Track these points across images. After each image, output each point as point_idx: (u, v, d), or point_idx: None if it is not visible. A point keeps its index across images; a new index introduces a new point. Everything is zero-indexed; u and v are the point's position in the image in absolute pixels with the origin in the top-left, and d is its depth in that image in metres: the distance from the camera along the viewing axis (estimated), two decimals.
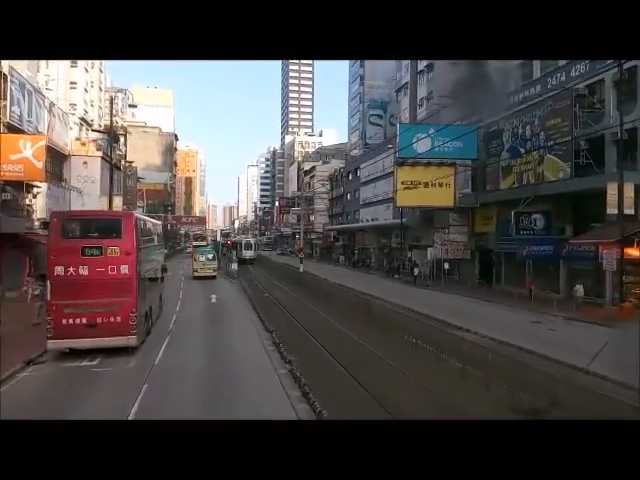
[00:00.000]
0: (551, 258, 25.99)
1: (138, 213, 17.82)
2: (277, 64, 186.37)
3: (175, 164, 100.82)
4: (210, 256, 36.76)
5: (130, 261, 12.91)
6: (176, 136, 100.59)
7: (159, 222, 22.59)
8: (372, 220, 52.74)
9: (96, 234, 13.18)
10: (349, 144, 78.11)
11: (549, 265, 26.95)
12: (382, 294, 27.08)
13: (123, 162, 43.38)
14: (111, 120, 27.92)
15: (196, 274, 35.43)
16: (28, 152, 23.34)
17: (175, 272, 42.12)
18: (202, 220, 61.31)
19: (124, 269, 12.81)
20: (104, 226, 13.39)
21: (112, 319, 12.70)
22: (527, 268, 28.62)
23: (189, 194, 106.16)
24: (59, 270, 12.47)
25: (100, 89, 76.41)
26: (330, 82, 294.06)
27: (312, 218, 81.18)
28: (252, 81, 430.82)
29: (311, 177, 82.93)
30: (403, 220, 39.00)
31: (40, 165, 24.13)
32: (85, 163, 34.19)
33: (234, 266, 40.81)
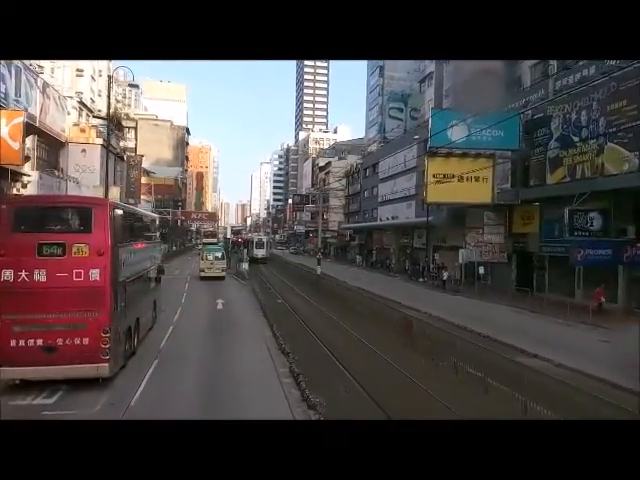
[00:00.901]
0: (609, 263, 22.36)
1: (115, 200, 14.11)
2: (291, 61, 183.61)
3: (187, 159, 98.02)
4: (219, 255, 33.59)
5: (103, 264, 9.67)
6: (188, 130, 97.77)
7: (153, 215, 19.25)
8: (392, 218, 49.32)
9: (58, 227, 9.98)
10: (366, 139, 74.59)
11: (605, 271, 23.32)
12: (411, 301, 23.69)
13: (129, 152, 40.90)
14: (109, 99, 24.75)
15: (203, 274, 32.31)
16: (2, 130, 20.18)
17: (182, 271, 39.14)
18: (212, 216, 58.24)
19: (94, 274, 9.59)
20: (68, 216, 10.15)
21: (77, 341, 9.51)
22: (576, 274, 25.06)
23: (200, 190, 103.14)
24: (7, 275, 9.32)
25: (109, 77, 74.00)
26: (346, 77, 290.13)
27: (326, 216, 77.89)
28: (266, 77, 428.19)
29: (326, 173, 79.56)
30: (428, 219, 35.58)
31: (17, 146, 20.90)
32: (84, 151, 31.28)
33: (245, 266, 37.65)
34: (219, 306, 21.61)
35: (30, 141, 26.32)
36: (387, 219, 49.90)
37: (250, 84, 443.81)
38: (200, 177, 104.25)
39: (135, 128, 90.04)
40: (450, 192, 27.51)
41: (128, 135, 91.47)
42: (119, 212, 10.99)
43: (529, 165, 27.76)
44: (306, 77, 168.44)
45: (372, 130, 71.92)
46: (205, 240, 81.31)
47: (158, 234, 19.21)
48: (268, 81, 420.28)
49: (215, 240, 79.18)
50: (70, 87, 44.99)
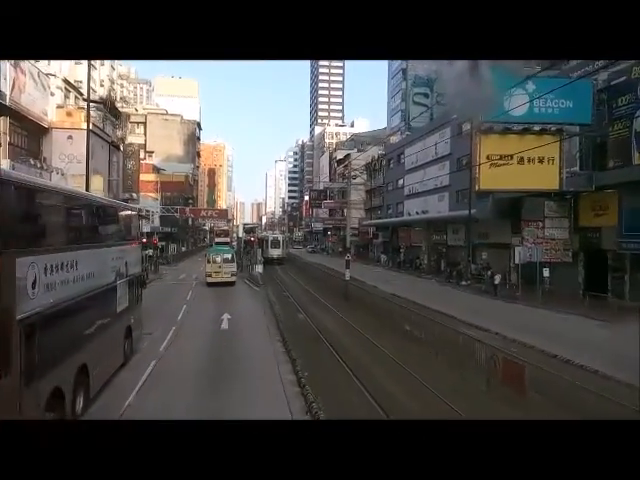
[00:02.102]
0: None
1: (10, 170, 8.33)
2: None
3: (198, 155, 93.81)
4: (227, 256, 28.85)
5: None
6: (199, 125, 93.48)
7: (129, 208, 14.16)
8: (421, 212, 44.21)
9: None
10: (388, 128, 69.43)
11: None
12: (468, 315, 18.63)
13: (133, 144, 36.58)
14: (89, 73, 20.17)
15: (210, 279, 27.67)
16: None
17: (188, 275, 34.62)
18: (223, 213, 53.73)
19: None
20: None
21: None
22: None
23: (212, 187, 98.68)
24: None
25: (112, 67, 69.99)
26: (362, 68, 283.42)
27: (346, 212, 73.02)
28: (279, 73, 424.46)
29: (345, 166, 74.49)
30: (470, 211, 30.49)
31: None
32: (70, 138, 26.82)
33: (259, 268, 33.00)
34: (224, 324, 16.87)
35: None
36: (416, 213, 44.78)
37: (263, 81, 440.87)
38: (212, 173, 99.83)
39: (144, 123, 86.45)
40: (507, 177, 22.39)
41: (137, 130, 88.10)
42: (16, 189, 6.07)
43: (606, 142, 22.51)
44: (321, 70, 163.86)
45: (395, 119, 66.76)
46: (217, 239, 77.09)
47: (137, 233, 14.53)
48: (281, 77, 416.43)
49: (228, 239, 74.69)
50: (68, 76, 40.81)
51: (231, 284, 27.85)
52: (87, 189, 20.03)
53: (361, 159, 67.76)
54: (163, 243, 49.28)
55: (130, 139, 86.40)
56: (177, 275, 35.66)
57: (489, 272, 28.80)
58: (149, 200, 57.23)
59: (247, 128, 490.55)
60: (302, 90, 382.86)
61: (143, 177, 66.54)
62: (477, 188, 24.50)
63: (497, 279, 26.21)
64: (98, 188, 24.21)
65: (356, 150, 74.17)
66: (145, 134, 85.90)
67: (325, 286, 28.39)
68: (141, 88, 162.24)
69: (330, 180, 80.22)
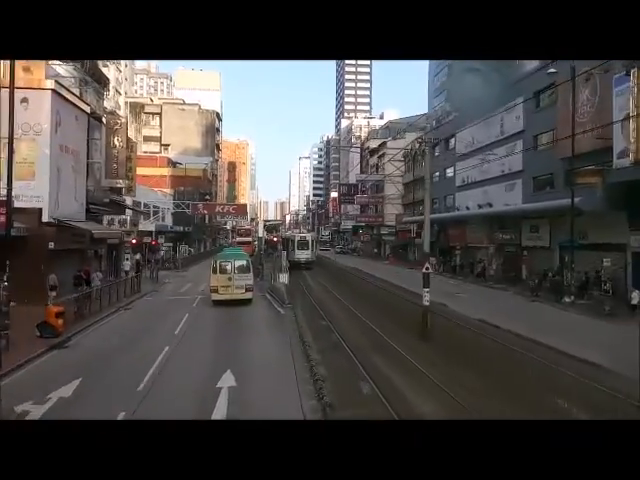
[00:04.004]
0: None
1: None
2: None
3: (218, 148, 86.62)
4: (241, 263, 20.61)
5: None
6: (218, 115, 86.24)
7: None
8: (485, 205, 35.78)
9: None
10: (431, 109, 60.70)
11: None
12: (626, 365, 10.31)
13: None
14: None
15: (216, 297, 19.94)
16: None
17: (194, 286, 27.00)
18: (242, 209, 45.94)
19: None
20: None
21: None
22: None
23: (233, 182, 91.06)
24: None
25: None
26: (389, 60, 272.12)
27: (380, 209, 64.64)
28: (302, 69, 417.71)
29: (380, 157, 66.27)
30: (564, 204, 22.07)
31: None
32: (25, 101, 19.48)
33: (284, 278, 25.14)
34: (221, 403, 8.85)
35: None
36: (478, 207, 36.34)
37: (284, 79, 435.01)
38: (232, 167, 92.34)
39: (159, 114, 79.83)
40: None
41: (152, 122, 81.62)
42: None
43: None
44: (347, 62, 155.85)
45: (438, 100, 58.12)
46: (239, 239, 69.76)
47: None
48: (303, 74, 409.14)
49: (250, 239, 67.03)
50: None
51: (246, 302, 20.05)
52: (9, 170, 12.50)
53: (398, 147, 59.41)
54: (170, 244, 41.75)
55: (145, 132, 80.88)
56: (181, 285, 28.11)
57: (606, 284, 20.32)
58: (159, 194, 50.20)
59: (270, 127, 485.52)
60: (325, 88, 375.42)
61: (155, 171, 59.99)
62: (633, 158, 15.94)
63: (636, 297, 17.66)
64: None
65: (391, 139, 65.71)
66: (160, 126, 79.53)
67: (383, 309, 20.41)
68: (162, 83, 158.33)
69: (361, 173, 71.88)
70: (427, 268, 14.31)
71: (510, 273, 31.62)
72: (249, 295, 20.21)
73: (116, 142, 23.00)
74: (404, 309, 20.22)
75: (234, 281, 19.90)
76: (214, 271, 20.21)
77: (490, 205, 34.17)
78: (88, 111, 23.10)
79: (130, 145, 29.63)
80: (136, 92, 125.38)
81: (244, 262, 20.72)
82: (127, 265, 30.02)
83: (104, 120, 23.39)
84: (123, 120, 23.49)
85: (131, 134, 79.07)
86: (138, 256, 29.82)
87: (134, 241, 31.21)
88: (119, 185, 23.87)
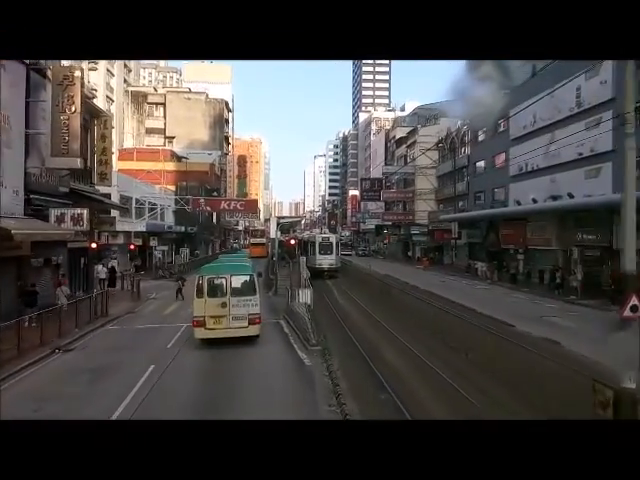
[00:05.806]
0: None
1: None
2: None
3: (227, 140, 79.72)
4: (242, 280, 13.34)
5: None
6: (227, 105, 79.34)
7: None
8: (548, 199, 28.17)
9: None
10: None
11: None
12: None
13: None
14: None
15: (202, 334, 12.60)
16: None
17: (185, 303, 19.94)
18: (252, 204, 38.56)
19: None
20: None
21: None
22: None
23: (243, 177, 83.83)
24: None
25: None
26: None
27: (409, 206, 57.13)
28: (315, 66, 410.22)
29: (408, 146, 58.69)
30: None
31: None
32: None
33: (305, 296, 17.88)
34: None
35: None
36: (551, 199, 28.70)
37: (297, 79, 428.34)
38: (243, 161, 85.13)
39: (163, 104, 73.24)
40: None
41: (156, 113, 75.19)
42: None
43: None
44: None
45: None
46: (253, 240, 62.77)
47: None
48: (317, 72, 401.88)
49: (264, 240, 59.75)
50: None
51: (251, 340, 12.87)
52: None
53: (431, 134, 51.89)
54: (165, 247, 34.54)
55: (148, 123, 74.48)
56: (167, 303, 21.12)
57: None
58: (155, 189, 43.40)
59: (284, 128, 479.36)
60: (340, 84, 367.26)
61: (156, 166, 53.29)
62: None
63: None
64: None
65: (420, 127, 58.11)
66: (165, 117, 73.03)
67: (459, 351, 13.05)
68: (171, 77, 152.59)
69: (386, 164, 64.33)
70: (635, 308, 6.79)
71: (600, 285, 23.95)
72: (254, 330, 12.88)
73: (65, 103, 15.99)
74: (465, 328, 12.84)
75: (230, 308, 12.62)
76: (199, 293, 12.88)
77: (571, 196, 26.42)
78: (26, 63, 16.14)
79: (103, 119, 22.69)
80: (144, 86, 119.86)
81: (246, 278, 13.30)
82: (103, 272, 23.24)
83: (49, 74, 16.39)
84: (77, 73, 16.35)
85: (133, 125, 73.67)
86: (114, 263, 22.89)
87: (131, 245, 26.40)
88: (78, 167, 16.88)
